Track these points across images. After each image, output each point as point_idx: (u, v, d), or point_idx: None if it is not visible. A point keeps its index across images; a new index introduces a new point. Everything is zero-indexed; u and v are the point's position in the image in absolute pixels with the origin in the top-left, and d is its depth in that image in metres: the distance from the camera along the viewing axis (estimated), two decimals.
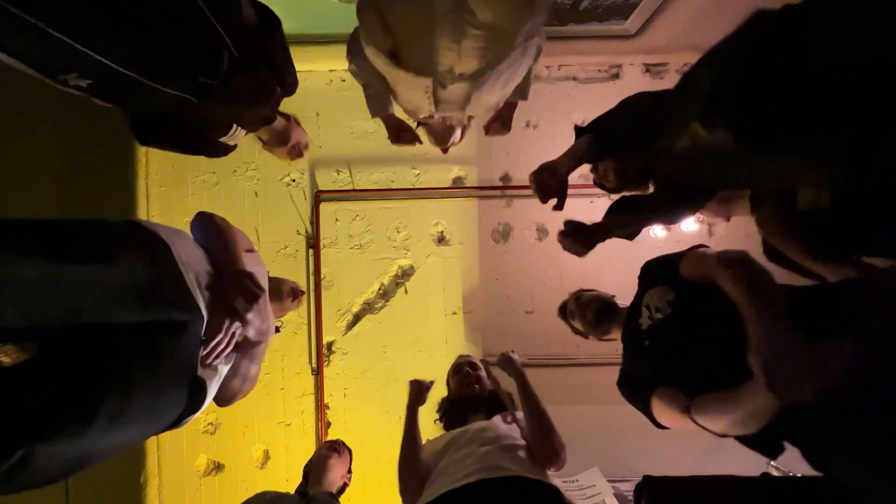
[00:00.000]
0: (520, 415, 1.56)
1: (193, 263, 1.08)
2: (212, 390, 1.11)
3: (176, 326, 0.99)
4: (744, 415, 1.04)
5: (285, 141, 1.65)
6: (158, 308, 0.96)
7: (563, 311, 1.81)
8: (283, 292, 1.72)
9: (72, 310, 0.85)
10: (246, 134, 1.46)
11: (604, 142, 1.53)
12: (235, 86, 1.15)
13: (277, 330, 1.58)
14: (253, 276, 1.15)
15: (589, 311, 1.65)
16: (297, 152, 1.72)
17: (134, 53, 0.92)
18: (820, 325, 0.95)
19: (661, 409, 1.26)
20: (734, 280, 1.07)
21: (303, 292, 1.86)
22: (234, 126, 1.36)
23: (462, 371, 1.78)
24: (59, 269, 0.84)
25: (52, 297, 0.83)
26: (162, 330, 0.97)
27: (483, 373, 1.77)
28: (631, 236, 1.67)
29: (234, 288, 1.10)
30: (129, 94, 1.02)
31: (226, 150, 1.48)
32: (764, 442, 1.08)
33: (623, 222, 1.62)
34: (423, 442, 1.62)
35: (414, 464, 1.51)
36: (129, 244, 0.98)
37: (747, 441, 1.10)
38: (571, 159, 1.53)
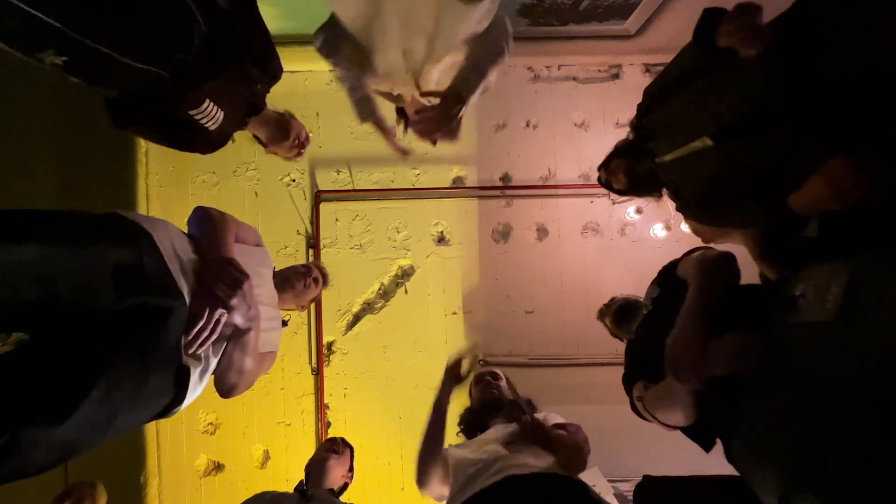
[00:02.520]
0: (539, 416, 1.60)
1: (177, 251, 1.08)
2: (197, 380, 1.10)
3: (160, 313, 0.99)
4: (669, 402, 1.11)
5: (286, 134, 1.62)
6: (140, 294, 0.96)
7: (601, 314, 1.93)
8: (292, 278, 1.71)
9: (48, 291, 0.86)
10: (225, 116, 1.37)
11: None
12: (207, 60, 1.15)
13: (285, 324, 1.58)
14: (235, 262, 1.14)
15: (613, 311, 1.78)
16: (299, 145, 1.68)
17: (105, 28, 0.93)
18: (741, 321, 1.02)
19: (637, 402, 1.30)
20: (691, 277, 1.16)
21: (321, 271, 1.84)
22: (207, 102, 1.30)
23: (484, 380, 1.87)
24: (32, 247, 0.86)
25: (27, 272, 0.84)
26: (147, 317, 0.97)
27: (503, 381, 1.85)
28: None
29: (216, 274, 1.09)
30: (103, 70, 1.02)
31: (211, 141, 1.41)
32: (699, 434, 1.14)
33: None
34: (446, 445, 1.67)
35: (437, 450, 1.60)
36: (109, 233, 0.99)
37: (687, 433, 1.16)
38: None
